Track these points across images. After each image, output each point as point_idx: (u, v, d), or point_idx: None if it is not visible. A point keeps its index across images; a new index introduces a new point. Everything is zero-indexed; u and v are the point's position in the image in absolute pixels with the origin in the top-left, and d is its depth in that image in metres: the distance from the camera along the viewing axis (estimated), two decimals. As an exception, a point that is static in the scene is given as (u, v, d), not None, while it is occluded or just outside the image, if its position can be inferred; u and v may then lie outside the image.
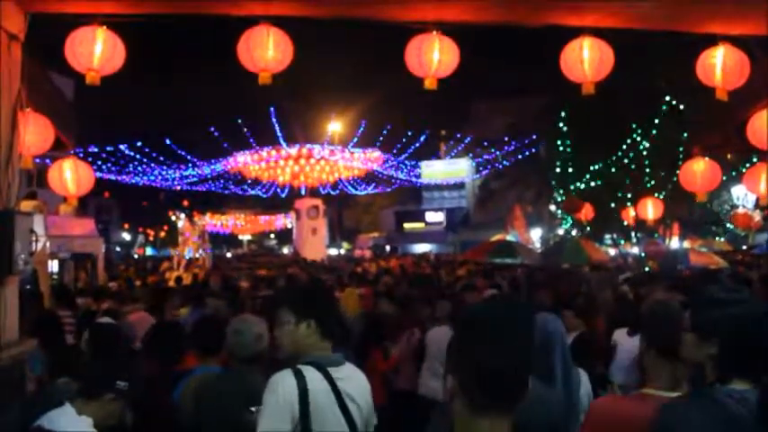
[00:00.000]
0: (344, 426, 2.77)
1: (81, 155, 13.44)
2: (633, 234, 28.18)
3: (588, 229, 29.08)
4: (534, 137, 36.35)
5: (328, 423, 2.71)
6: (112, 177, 34.64)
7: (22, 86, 5.36)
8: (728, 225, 27.01)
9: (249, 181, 38.07)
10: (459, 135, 44.96)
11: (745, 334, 2.14)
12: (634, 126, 25.47)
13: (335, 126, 37.39)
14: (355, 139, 34.88)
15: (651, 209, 16.77)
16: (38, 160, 7.92)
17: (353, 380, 2.91)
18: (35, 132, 6.10)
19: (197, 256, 21.13)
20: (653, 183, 24.86)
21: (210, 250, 23.50)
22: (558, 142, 30.18)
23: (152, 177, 36.59)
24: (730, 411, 2.02)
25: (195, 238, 21.91)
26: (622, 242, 29.74)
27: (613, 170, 27.23)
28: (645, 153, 25.85)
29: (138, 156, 31.97)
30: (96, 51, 5.72)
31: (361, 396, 2.90)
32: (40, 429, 2.88)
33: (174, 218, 48.14)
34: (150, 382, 3.56)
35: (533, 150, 37.69)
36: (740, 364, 2.12)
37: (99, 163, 29.96)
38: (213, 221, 44.47)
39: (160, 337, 4.68)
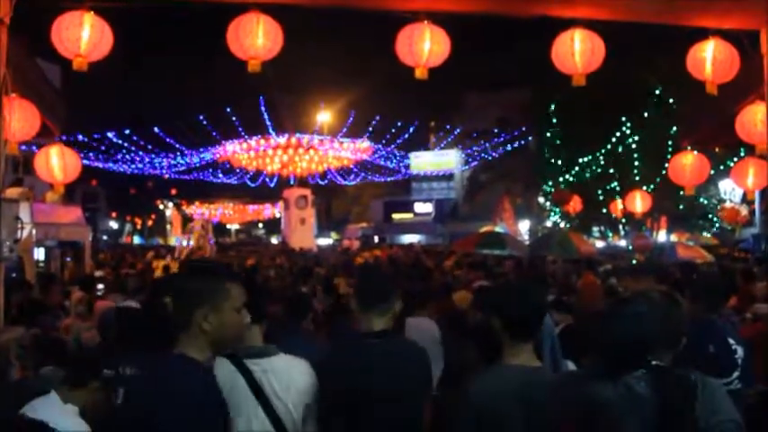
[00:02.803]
0: (264, 423, 2.57)
1: (68, 142, 13.31)
2: (621, 227, 28.34)
3: (576, 221, 29.23)
4: (524, 129, 36.48)
5: (242, 419, 2.55)
6: (100, 165, 34.42)
7: (8, 71, 5.29)
8: (715, 219, 27.19)
9: (238, 170, 37.92)
10: (448, 126, 44.97)
11: (617, 352, 2.25)
12: (623, 119, 25.61)
13: (325, 116, 37.30)
14: (344, 129, 34.84)
15: (639, 202, 16.84)
16: (24, 147, 7.81)
17: (283, 373, 2.65)
18: (21, 118, 6.04)
19: (199, 245, 20.98)
20: (641, 175, 25.01)
21: (212, 240, 23.31)
22: (548, 134, 30.30)
23: (140, 165, 36.40)
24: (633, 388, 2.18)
25: (198, 227, 21.84)
26: (610, 234, 29.91)
27: (602, 163, 27.40)
28: (634, 146, 26.01)
29: (125, 143, 31.79)
30: (84, 37, 5.64)
31: (291, 391, 2.64)
32: (24, 418, 2.84)
33: (161, 206, 47.98)
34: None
35: (522, 142, 37.82)
36: (624, 367, 2.24)
37: (86, 150, 29.74)
38: (201, 210, 44.34)
39: (148, 325, 4.64)
